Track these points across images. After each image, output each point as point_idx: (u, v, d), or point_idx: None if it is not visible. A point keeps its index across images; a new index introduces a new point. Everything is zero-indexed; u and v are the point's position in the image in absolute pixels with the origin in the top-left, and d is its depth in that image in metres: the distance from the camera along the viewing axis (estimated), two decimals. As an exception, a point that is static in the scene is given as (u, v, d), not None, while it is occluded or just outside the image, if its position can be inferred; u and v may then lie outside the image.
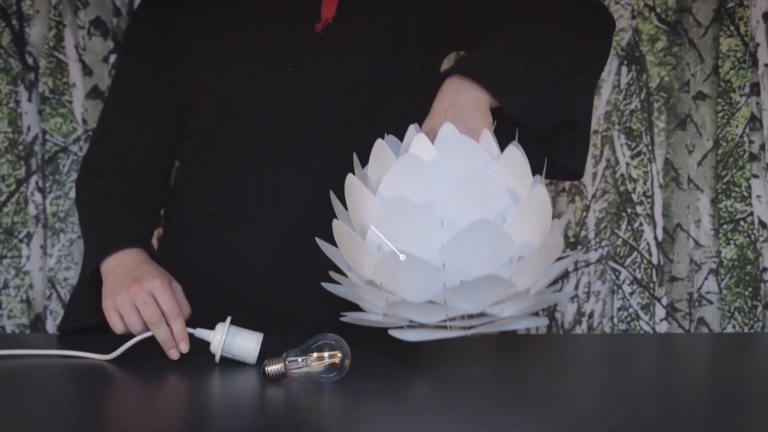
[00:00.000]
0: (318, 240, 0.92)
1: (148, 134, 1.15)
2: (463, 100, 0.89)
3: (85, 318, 1.06)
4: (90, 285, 1.05)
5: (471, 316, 0.83)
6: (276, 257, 1.09)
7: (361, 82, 1.07)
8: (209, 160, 1.13)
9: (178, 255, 1.15)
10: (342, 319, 0.89)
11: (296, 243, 1.08)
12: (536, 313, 0.89)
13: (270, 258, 1.10)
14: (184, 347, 0.92)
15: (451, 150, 0.83)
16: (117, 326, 0.95)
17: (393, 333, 0.83)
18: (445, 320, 0.83)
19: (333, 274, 0.91)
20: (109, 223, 1.09)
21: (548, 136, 0.96)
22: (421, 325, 0.84)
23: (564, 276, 1.82)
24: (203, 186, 1.14)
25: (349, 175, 0.86)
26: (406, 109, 1.09)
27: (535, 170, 0.93)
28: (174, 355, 0.92)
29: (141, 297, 0.93)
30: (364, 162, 0.91)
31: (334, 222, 0.87)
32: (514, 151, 0.83)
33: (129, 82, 1.16)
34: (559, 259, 0.91)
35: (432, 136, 0.87)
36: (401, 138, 0.90)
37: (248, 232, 1.10)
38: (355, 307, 0.91)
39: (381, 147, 0.87)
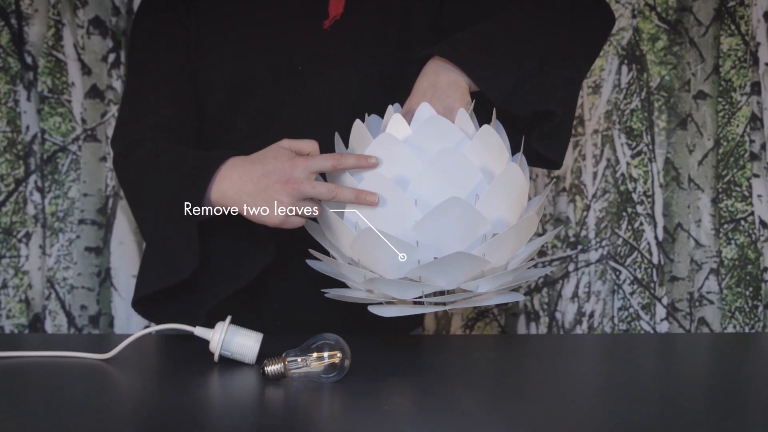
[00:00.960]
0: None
1: (181, 115, 1.11)
2: (443, 80, 0.90)
3: (174, 272, 0.98)
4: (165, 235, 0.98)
5: (451, 292, 0.84)
6: (281, 254, 1.08)
7: (369, 80, 1.08)
8: None
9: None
10: (326, 295, 0.90)
11: (301, 241, 1.08)
12: (515, 289, 0.90)
13: (275, 255, 1.09)
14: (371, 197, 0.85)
15: (426, 130, 0.84)
16: (300, 221, 0.90)
17: (372, 309, 0.85)
18: (422, 296, 0.84)
19: (313, 252, 0.93)
20: (189, 154, 1.00)
21: (529, 123, 0.97)
22: (400, 301, 0.86)
23: (564, 276, 1.82)
24: None
25: None
26: None
27: (523, 153, 0.94)
28: (374, 199, 0.84)
29: (303, 188, 0.87)
30: None
31: None
32: (489, 129, 0.84)
33: (160, 65, 1.12)
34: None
35: (411, 115, 0.89)
36: None
37: (252, 229, 1.10)
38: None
39: (360, 128, 0.89)
